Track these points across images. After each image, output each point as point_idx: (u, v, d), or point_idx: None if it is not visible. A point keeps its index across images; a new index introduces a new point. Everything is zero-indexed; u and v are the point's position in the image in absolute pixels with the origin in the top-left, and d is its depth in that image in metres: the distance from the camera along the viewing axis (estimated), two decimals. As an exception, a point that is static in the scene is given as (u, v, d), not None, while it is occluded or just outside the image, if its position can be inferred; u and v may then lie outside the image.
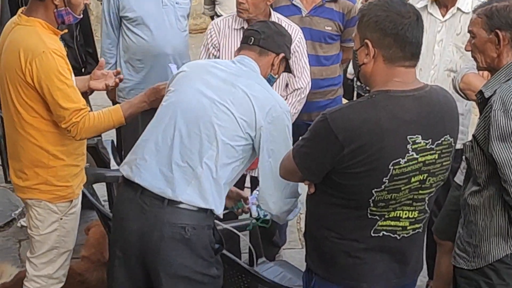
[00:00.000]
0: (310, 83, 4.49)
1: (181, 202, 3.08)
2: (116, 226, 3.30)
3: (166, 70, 5.03)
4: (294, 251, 5.21)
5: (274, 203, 3.18)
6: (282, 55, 3.35)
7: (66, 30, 3.79)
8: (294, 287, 3.54)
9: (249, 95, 3.11)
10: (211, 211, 3.12)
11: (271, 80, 3.35)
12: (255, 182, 4.74)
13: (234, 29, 4.39)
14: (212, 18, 6.92)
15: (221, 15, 5.05)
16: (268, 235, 4.80)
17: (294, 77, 4.44)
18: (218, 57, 4.41)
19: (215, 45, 4.42)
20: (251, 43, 3.29)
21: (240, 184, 4.68)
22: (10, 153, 3.73)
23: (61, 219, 3.68)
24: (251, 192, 4.83)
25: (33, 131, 3.52)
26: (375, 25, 2.63)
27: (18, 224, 5.49)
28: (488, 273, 3.11)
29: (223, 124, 3.08)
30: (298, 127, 4.11)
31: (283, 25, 4.38)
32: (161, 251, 3.09)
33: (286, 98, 4.46)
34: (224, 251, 3.49)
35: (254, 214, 3.67)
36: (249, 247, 4.17)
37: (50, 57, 3.40)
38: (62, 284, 3.84)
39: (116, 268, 3.28)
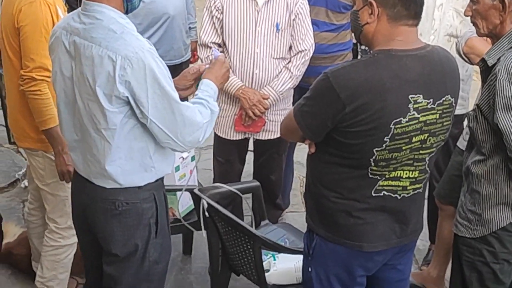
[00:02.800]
0: (313, 45, 4.47)
1: None
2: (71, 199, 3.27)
3: (172, 32, 4.97)
4: (297, 214, 5.23)
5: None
6: None
7: None
8: (296, 249, 3.56)
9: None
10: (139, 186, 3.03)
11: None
12: (258, 145, 4.74)
13: (238, -10, 4.36)
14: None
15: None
16: (271, 197, 4.83)
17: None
18: (222, 20, 4.38)
19: (218, 7, 4.39)
20: None
21: (242, 146, 4.70)
22: (10, 105, 3.80)
23: None
24: (254, 159, 4.84)
25: None
26: None
27: (22, 185, 5.52)
28: (491, 241, 3.11)
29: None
30: (305, 90, 4.10)
31: None
32: (98, 226, 3.06)
33: (290, 60, 4.44)
34: (228, 213, 3.52)
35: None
36: (252, 209, 4.20)
37: (38, 7, 3.43)
38: None
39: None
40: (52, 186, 3.77)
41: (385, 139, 2.61)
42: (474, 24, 3.19)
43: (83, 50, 2.81)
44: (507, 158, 2.96)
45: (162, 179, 3.10)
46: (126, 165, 2.93)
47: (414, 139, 2.67)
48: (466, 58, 3.86)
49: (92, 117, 2.86)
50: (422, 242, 4.80)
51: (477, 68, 3.29)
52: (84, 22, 2.86)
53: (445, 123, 2.76)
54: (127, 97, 2.77)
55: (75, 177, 3.15)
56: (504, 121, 2.89)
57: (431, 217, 4.56)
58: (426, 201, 4.60)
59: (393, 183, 2.75)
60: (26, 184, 5.26)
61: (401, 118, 2.60)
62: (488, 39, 3.62)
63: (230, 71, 4.35)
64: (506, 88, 2.88)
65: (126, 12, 2.94)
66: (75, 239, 3.85)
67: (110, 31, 2.80)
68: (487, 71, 3.06)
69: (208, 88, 3.06)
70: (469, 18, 3.24)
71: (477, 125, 3.06)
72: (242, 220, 3.86)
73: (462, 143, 3.92)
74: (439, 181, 4.27)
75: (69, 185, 3.66)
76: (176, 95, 2.86)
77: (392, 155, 2.66)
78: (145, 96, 2.77)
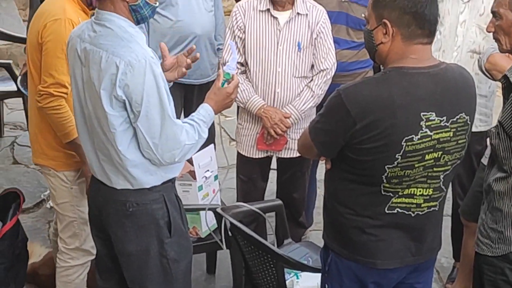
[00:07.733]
0: (335, 64, 4.47)
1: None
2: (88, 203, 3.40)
3: (199, 52, 4.98)
4: (320, 232, 5.11)
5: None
6: None
7: (93, 11, 3.85)
8: (319, 268, 3.54)
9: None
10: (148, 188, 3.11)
11: (145, 6, 3.01)
12: (281, 164, 4.74)
13: (260, 11, 4.38)
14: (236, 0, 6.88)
15: (245, -3, 5.01)
16: (294, 216, 4.82)
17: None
18: (244, 39, 4.41)
19: (240, 27, 4.42)
20: None
21: (265, 165, 4.71)
22: (30, 121, 3.87)
23: (72, 188, 3.75)
24: (277, 177, 4.84)
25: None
26: (393, 4, 2.62)
27: (47, 205, 5.55)
28: None
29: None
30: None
31: (308, 5, 4.38)
32: (112, 226, 3.15)
33: (312, 79, 4.45)
34: (250, 232, 3.52)
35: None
36: (275, 228, 4.19)
37: (62, 25, 3.49)
38: (93, 256, 3.89)
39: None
40: (61, 207, 3.81)
41: (396, 156, 2.61)
42: (497, 40, 3.17)
43: (92, 55, 2.94)
44: None
45: (172, 181, 3.20)
46: (133, 168, 3.04)
47: (427, 157, 2.67)
48: (488, 74, 3.85)
49: (99, 120, 2.98)
50: (447, 259, 4.77)
51: (500, 84, 3.27)
52: (95, 30, 2.99)
53: (460, 141, 2.74)
54: (124, 100, 2.89)
55: (92, 181, 3.27)
56: None
57: (455, 235, 4.52)
58: (450, 219, 4.58)
59: (407, 200, 2.75)
60: (52, 204, 5.31)
61: (413, 136, 2.60)
62: (510, 55, 3.61)
63: (252, 89, 4.39)
64: None
65: (138, 23, 3.05)
66: (85, 259, 3.89)
67: (118, 39, 2.93)
68: (509, 88, 3.04)
69: (206, 114, 3.14)
70: (492, 34, 3.22)
71: (499, 142, 3.03)
72: (266, 239, 3.85)
73: (486, 160, 3.89)
74: (463, 198, 4.24)
75: (79, 207, 3.77)
76: (169, 108, 2.96)
77: (404, 172, 2.66)
78: (139, 102, 2.89)
